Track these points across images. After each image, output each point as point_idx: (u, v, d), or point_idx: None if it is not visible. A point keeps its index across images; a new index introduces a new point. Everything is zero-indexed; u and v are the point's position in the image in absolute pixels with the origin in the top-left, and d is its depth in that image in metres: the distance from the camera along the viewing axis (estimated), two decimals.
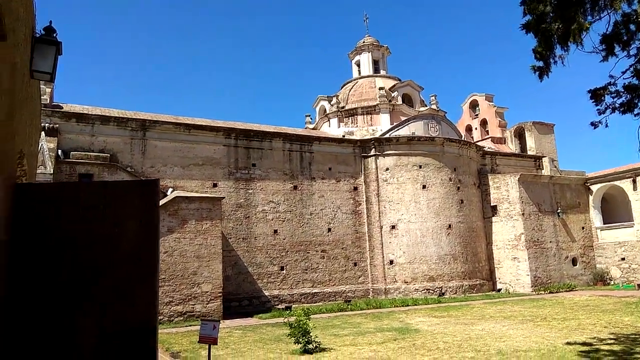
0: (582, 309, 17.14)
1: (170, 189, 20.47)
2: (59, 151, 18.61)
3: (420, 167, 25.66)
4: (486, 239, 27.14)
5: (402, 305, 20.50)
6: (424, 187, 25.41)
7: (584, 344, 10.65)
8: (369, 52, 32.22)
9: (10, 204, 3.23)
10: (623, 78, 7.57)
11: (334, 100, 29.16)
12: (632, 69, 7.52)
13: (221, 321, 17.27)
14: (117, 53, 79.81)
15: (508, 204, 26.63)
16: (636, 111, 7.68)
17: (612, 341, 10.84)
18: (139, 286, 2.55)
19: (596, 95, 7.63)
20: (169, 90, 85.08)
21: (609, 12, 6.08)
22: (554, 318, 15.07)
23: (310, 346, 10.95)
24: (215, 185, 21.77)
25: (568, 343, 10.77)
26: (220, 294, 18.11)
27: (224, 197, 20.52)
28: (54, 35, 4.82)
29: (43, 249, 2.44)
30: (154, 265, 2.54)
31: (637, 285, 24.22)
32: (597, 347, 10.25)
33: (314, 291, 22.85)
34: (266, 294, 21.72)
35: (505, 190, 26.84)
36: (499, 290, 26.00)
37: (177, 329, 15.60)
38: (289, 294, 22.22)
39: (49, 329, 2.28)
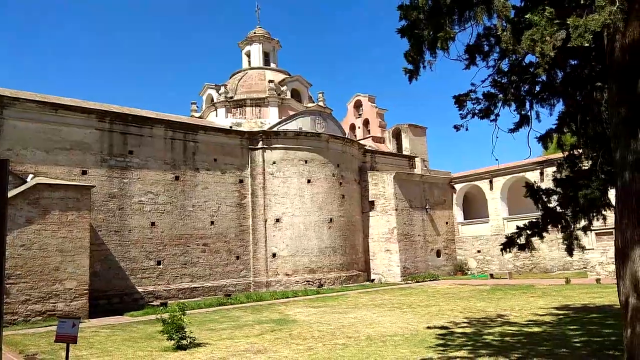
0: (443, 296, 18.95)
1: (31, 175, 18.31)
2: None
3: (306, 162, 26.19)
4: (363, 232, 28.68)
5: (283, 298, 20.77)
6: (309, 181, 26.00)
7: (442, 327, 11.77)
8: (259, 44, 31.99)
9: None
10: (482, 86, 8.49)
11: (222, 89, 28.47)
12: (490, 78, 8.47)
13: (87, 320, 16.00)
14: None
15: (384, 199, 28.41)
16: (492, 117, 8.64)
17: (465, 324, 12.13)
18: None
19: (459, 101, 8.45)
20: (38, 69, 76.22)
21: (473, 24, 6.74)
22: (418, 305, 16.45)
23: (185, 342, 10.58)
24: (84, 172, 19.93)
25: (429, 327, 11.82)
26: (87, 291, 16.70)
27: (94, 186, 18.89)
28: None
29: None
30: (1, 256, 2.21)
31: (490, 274, 27.44)
32: (452, 330, 11.39)
33: (193, 286, 22.13)
34: (140, 290, 20.50)
35: (382, 186, 28.60)
36: (373, 280, 27.66)
37: (34, 329, 14.07)
38: (166, 290, 21.24)
39: None
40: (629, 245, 5.69)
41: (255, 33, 32.35)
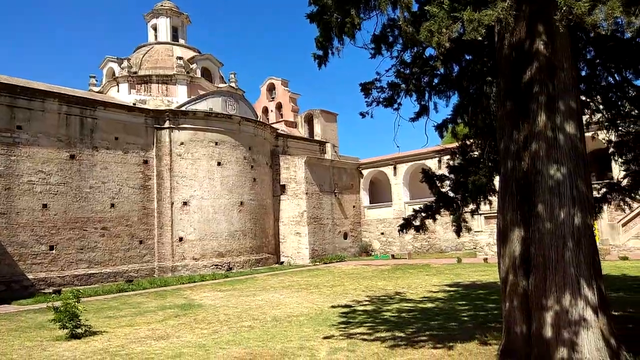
0: (348, 276, 19.70)
1: None
2: None
3: (216, 143, 25.55)
4: (274, 215, 28.78)
5: (189, 282, 20.27)
6: (219, 164, 25.43)
7: (345, 306, 12.26)
8: (167, 17, 30.37)
9: None
10: (387, 76, 8.82)
11: (125, 63, 26.68)
12: (394, 68, 8.82)
13: None
14: None
15: (295, 183, 28.70)
16: (395, 106, 9.05)
17: (367, 302, 12.74)
18: None
19: (365, 88, 8.74)
20: None
21: (377, 13, 6.94)
22: (324, 285, 16.96)
23: (79, 330, 9.96)
24: None
25: (333, 306, 12.25)
26: None
27: None
28: None
29: None
30: None
31: (392, 255, 28.98)
32: (354, 308, 11.92)
33: (90, 272, 20.80)
34: (30, 277, 18.86)
35: (294, 171, 28.84)
36: (282, 263, 27.97)
37: None
38: (59, 276, 19.75)
39: None
40: (508, 227, 6.27)
41: (162, 6, 30.63)
